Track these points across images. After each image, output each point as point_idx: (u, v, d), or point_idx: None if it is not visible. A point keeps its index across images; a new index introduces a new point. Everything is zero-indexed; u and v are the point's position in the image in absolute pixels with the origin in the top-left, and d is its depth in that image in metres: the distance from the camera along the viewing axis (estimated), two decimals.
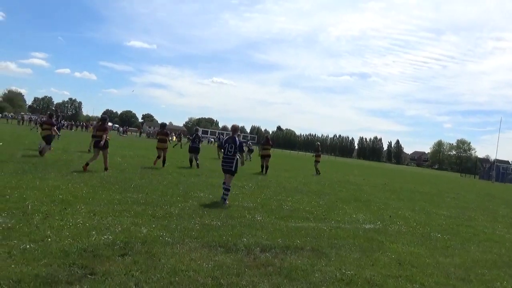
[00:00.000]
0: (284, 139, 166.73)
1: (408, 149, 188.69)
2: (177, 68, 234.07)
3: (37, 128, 30.21)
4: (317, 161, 23.00)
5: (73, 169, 11.52)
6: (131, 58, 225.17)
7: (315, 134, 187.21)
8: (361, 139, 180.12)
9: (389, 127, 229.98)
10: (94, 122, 21.18)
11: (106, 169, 12.12)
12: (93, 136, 16.68)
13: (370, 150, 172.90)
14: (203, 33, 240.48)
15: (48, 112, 18.05)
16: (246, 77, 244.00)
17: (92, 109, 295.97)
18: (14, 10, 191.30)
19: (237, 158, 9.09)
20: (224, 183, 9.00)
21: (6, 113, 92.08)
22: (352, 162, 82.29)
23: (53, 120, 16.64)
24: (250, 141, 49.02)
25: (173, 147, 29.31)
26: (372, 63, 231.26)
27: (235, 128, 9.37)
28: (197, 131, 18.41)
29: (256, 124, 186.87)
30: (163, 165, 15.60)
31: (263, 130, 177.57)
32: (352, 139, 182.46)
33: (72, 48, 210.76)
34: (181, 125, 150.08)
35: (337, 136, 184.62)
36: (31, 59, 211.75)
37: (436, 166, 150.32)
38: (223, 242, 5.47)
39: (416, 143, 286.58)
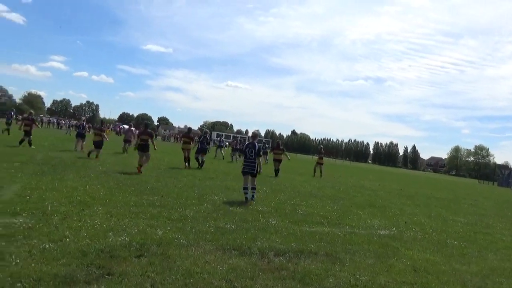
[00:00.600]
0: (299, 143, 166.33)
1: (424, 155, 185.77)
2: (193, 72, 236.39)
3: (71, 133, 31.41)
4: (320, 163, 22.93)
5: (91, 171, 11.72)
6: (147, 61, 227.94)
7: (330, 139, 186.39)
8: (376, 144, 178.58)
9: (405, 132, 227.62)
10: (111, 125, 21.89)
11: (140, 168, 13.09)
12: (130, 141, 18.30)
13: (386, 155, 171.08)
14: (219, 37, 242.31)
15: (101, 120, 20.98)
16: (261, 81, 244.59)
17: (109, 111, 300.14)
18: (34, 15, 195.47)
19: (258, 161, 10.11)
20: (245, 187, 9.96)
21: (25, 114, 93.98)
22: (367, 167, 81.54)
23: (103, 127, 18.75)
24: (266, 144, 49.98)
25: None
26: (388, 67, 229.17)
27: (255, 135, 10.84)
28: (206, 133, 19.50)
29: (271, 128, 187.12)
30: (188, 165, 17.23)
31: (277, 134, 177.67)
32: (367, 143, 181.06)
33: (90, 51, 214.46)
34: (196, 128, 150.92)
35: (352, 140, 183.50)
36: (50, 62, 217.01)
37: (454, 172, 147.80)
38: (237, 245, 5.50)
39: (433, 149, 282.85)
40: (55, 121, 69.56)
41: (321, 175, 22.45)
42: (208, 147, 18.40)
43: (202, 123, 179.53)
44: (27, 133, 18.47)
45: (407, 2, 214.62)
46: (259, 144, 10.47)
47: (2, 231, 4.83)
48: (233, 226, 6.69)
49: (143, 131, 14.73)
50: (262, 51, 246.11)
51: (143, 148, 14.03)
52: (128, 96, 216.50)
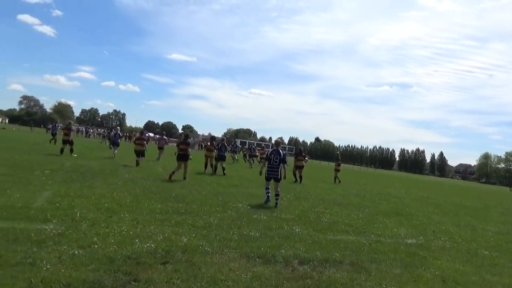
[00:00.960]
0: (323, 151, 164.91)
1: (452, 162, 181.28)
2: (217, 80, 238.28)
3: (105, 142, 32.78)
4: (337, 170, 23.20)
5: (118, 178, 11.96)
6: (172, 70, 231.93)
7: (354, 146, 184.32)
8: (402, 150, 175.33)
9: (432, 139, 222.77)
10: (138, 134, 22.77)
11: (184, 178, 13.82)
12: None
13: (412, 162, 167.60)
14: (242, 46, 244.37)
15: (141, 131, 22.21)
16: (284, 88, 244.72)
17: (135, 120, 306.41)
18: (64, 27, 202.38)
19: (283, 167, 10.68)
20: (268, 191, 10.56)
21: (56, 123, 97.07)
22: (393, 174, 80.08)
23: (144, 135, 20.20)
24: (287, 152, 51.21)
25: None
26: (413, 72, 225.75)
27: (278, 142, 11.58)
28: (223, 140, 20.07)
29: (294, 135, 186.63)
30: (214, 171, 18.33)
31: (301, 141, 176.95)
32: (393, 150, 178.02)
33: (116, 61, 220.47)
34: (220, 135, 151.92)
35: (377, 147, 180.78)
36: (79, 72, 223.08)
37: (483, 180, 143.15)
38: (261, 253, 5.49)
39: (461, 155, 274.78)
40: (84, 129, 71.33)
41: (337, 181, 22.78)
42: (225, 153, 19.09)
43: (226, 131, 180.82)
44: (67, 142, 19.48)
45: (432, 6, 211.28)
46: (283, 151, 10.89)
47: (34, 237, 4.98)
48: (257, 233, 6.68)
49: (182, 141, 15.35)
50: (285, 58, 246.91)
51: (182, 157, 14.48)
52: (154, 104, 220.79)
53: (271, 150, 11.26)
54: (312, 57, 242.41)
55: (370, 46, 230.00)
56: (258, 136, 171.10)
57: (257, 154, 32.48)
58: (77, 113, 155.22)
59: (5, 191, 7.67)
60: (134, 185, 10.83)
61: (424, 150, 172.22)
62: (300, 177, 19.38)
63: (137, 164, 17.51)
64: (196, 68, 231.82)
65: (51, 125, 39.94)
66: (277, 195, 10.37)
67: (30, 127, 68.31)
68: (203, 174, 17.06)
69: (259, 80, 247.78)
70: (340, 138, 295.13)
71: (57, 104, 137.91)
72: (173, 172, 13.61)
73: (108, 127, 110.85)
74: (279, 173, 10.69)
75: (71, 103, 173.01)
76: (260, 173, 11.39)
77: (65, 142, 19.56)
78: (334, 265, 5.38)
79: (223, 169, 18.40)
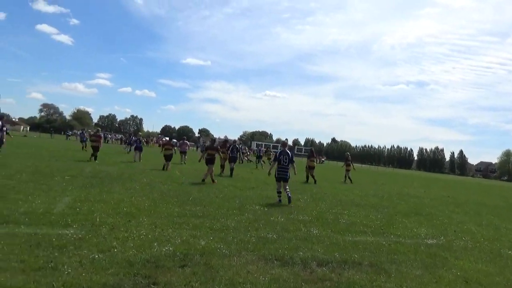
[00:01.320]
0: (339, 151, 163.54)
1: (473, 160, 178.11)
2: (231, 83, 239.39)
3: (129, 149, 33.99)
4: (347, 170, 23.44)
5: (136, 183, 12.10)
6: (187, 75, 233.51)
7: (371, 145, 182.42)
8: (420, 149, 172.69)
9: (451, 137, 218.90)
10: (155, 138, 23.85)
11: (213, 180, 14.54)
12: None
13: (431, 161, 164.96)
14: (256, 48, 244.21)
15: (169, 137, 24.49)
16: (299, 89, 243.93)
17: (152, 125, 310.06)
18: (81, 36, 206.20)
19: (292, 166, 11.19)
20: (279, 192, 11.01)
21: (75, 130, 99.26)
22: (411, 174, 78.95)
23: (173, 142, 22.02)
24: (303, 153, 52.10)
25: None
26: (430, 70, 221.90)
27: (285, 143, 11.95)
28: (235, 142, 20.69)
29: (310, 137, 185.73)
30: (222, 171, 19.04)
31: (317, 142, 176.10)
32: (411, 150, 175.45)
33: (133, 68, 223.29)
34: (236, 138, 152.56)
35: (395, 147, 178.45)
36: (97, 79, 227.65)
37: (505, 178, 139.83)
38: (279, 255, 5.47)
39: (482, 153, 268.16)
40: (102, 135, 72.31)
41: (347, 180, 22.91)
42: (237, 155, 19.89)
43: (242, 133, 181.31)
44: (95, 149, 20.18)
45: (447, 3, 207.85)
46: (292, 152, 11.40)
47: (55, 242, 5.07)
48: (274, 235, 6.66)
49: (210, 145, 15.96)
50: (299, 59, 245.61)
51: (211, 161, 15.11)
52: (170, 109, 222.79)
53: (279, 151, 11.55)
54: (326, 58, 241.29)
55: (385, 45, 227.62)
56: (274, 138, 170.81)
57: (261, 154, 33.50)
58: (95, 119, 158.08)
59: (27, 197, 7.84)
60: (151, 190, 10.94)
61: (443, 149, 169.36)
62: (313, 177, 19.77)
63: (165, 168, 18.61)
64: (210, 72, 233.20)
65: (79, 132, 43.09)
66: (287, 191, 10.91)
67: (50, 134, 69.95)
68: (217, 177, 17.10)
69: (273, 82, 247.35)
70: (357, 138, 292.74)
71: (76, 111, 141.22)
72: (205, 176, 14.59)
73: (127, 132, 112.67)
74: (288, 173, 11.13)
75: (89, 109, 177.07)
76: (269, 174, 11.69)
77: (94, 149, 20.28)
78: (353, 266, 5.33)
79: (232, 170, 18.82)
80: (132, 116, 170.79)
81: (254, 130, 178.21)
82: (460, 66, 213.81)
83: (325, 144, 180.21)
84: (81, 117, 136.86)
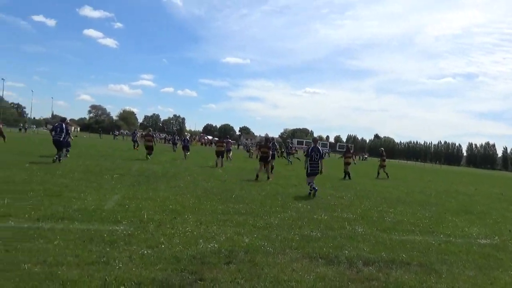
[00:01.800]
0: (383, 147, 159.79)
1: None
2: (271, 81, 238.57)
3: (174, 148, 35.85)
4: (382, 166, 23.48)
5: (180, 181, 12.39)
6: (227, 73, 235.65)
7: (417, 141, 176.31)
8: (470, 145, 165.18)
9: (503, 131, 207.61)
10: (197, 137, 24.78)
11: (268, 178, 15.25)
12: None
13: (482, 157, 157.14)
14: (294, 45, 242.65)
15: (223, 135, 24.78)
16: (339, 85, 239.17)
17: (194, 124, 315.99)
18: (124, 39, 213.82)
19: (321, 163, 11.99)
20: (310, 183, 11.71)
21: (121, 130, 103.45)
22: (460, 170, 75.58)
23: (224, 139, 23.09)
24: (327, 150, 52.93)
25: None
26: (478, 61, 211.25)
27: (316, 139, 12.98)
28: (273, 139, 20.78)
29: (352, 133, 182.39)
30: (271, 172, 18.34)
31: (359, 138, 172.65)
32: (459, 145, 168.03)
33: (174, 68, 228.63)
34: (276, 135, 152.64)
35: (442, 142, 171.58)
36: (141, 80, 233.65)
37: None
38: (323, 253, 5.41)
39: None
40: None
41: (380, 175, 22.89)
42: (275, 152, 19.96)
43: (282, 131, 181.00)
44: (150, 148, 21.62)
45: None
46: (323, 148, 11.93)
47: (106, 237, 5.29)
48: (318, 234, 6.60)
49: (264, 144, 16.48)
50: (339, 54, 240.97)
51: (265, 159, 15.81)
52: (211, 108, 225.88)
53: (311, 147, 12.30)
54: (367, 52, 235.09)
55: (429, 36, 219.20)
56: (315, 135, 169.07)
57: (293, 151, 34.05)
58: (140, 119, 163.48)
59: (80, 195, 8.22)
60: (195, 187, 11.15)
61: (494, 144, 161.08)
62: (348, 173, 19.92)
63: (219, 164, 19.82)
64: (250, 70, 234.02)
65: (131, 133, 47.47)
66: (313, 186, 11.64)
67: (99, 134, 73.15)
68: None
69: (313, 78, 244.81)
70: (400, 134, 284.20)
71: (122, 111, 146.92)
72: (258, 175, 15.04)
73: (170, 132, 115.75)
74: (319, 168, 12.00)
75: (134, 110, 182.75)
76: (305, 168, 12.55)
77: (147, 148, 21.74)
78: (401, 266, 5.17)
79: (272, 167, 18.74)
80: (174, 115, 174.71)
81: (294, 128, 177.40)
82: (511, 56, 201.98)
83: (367, 141, 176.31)
84: (127, 117, 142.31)
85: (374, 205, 10.65)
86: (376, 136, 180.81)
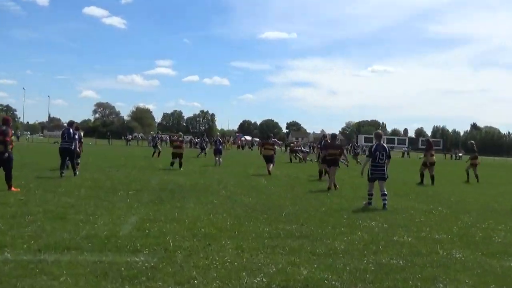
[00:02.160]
0: (483, 141, 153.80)
1: None
2: (326, 59, 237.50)
3: (203, 153, 37.12)
4: (473, 165, 23.15)
5: (213, 196, 12.58)
6: (267, 53, 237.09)
7: None
8: None
9: None
10: (231, 138, 25.68)
11: (335, 186, 15.67)
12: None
13: None
14: (356, 10, 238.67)
15: (272, 135, 26.81)
16: (419, 59, 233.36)
17: (227, 121, 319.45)
18: (134, 16, 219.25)
19: (388, 164, 12.35)
20: (371, 193, 12.07)
21: (135, 133, 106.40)
22: None
23: (271, 140, 24.41)
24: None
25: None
26: None
27: (379, 134, 13.00)
28: (325, 137, 20.84)
29: (440, 123, 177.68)
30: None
31: (450, 130, 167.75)
32: None
33: (199, 50, 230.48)
34: (337, 132, 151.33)
35: None
36: (157, 68, 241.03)
37: None
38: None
39: None
40: (168, 138, 75.96)
41: (470, 178, 22.87)
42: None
43: (344, 125, 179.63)
44: (179, 156, 22.62)
45: None
46: (388, 145, 12.52)
47: (124, 271, 5.45)
48: (400, 261, 6.49)
49: (330, 143, 16.71)
50: (417, 19, 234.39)
51: (333, 163, 15.86)
52: (247, 99, 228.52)
53: (375, 145, 12.45)
54: (456, 13, 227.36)
55: None
56: (389, 128, 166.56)
57: (358, 152, 33.70)
58: (158, 118, 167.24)
59: (88, 217, 8.56)
60: (233, 204, 11.29)
61: None
62: (432, 177, 19.72)
63: (270, 172, 20.91)
64: (297, 46, 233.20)
65: (150, 138, 51.86)
66: (384, 195, 11.81)
67: (108, 140, 75.61)
68: (312, 183, 17.10)
69: (382, 53, 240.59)
70: (508, 123, 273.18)
71: (134, 109, 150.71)
72: (330, 183, 15.54)
73: (197, 133, 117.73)
74: (386, 171, 12.23)
75: (150, 106, 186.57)
76: (362, 174, 12.82)
77: (176, 156, 22.75)
78: None
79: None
80: (201, 111, 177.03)
81: (360, 120, 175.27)
82: None
83: (461, 133, 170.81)
84: (141, 116, 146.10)
85: (476, 221, 10.36)
86: (474, 126, 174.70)
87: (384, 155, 12.11)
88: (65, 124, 19.19)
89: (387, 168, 12.28)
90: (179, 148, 23.02)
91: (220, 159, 26.54)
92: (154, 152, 33.87)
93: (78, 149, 17.33)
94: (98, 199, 10.88)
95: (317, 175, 20.13)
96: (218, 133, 30.82)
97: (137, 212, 9.51)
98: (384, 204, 11.58)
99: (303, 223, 9.11)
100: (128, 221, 8.47)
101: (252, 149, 76.26)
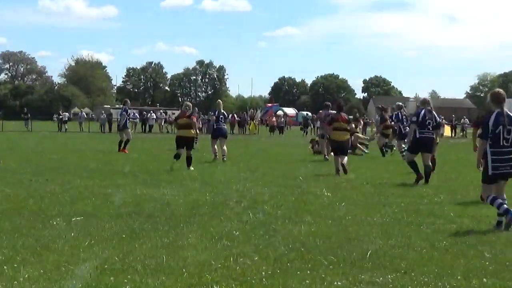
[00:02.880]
0: None
1: None
2: None
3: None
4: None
5: (231, 222, 12.15)
6: None
7: None
8: None
9: None
10: (258, 112, 25.95)
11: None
12: None
13: None
14: None
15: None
16: None
17: (247, 81, 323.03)
18: None
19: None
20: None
21: (76, 108, 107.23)
22: None
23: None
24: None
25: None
26: None
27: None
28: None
29: None
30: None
31: None
32: None
33: None
34: (462, 96, 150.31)
35: None
36: None
37: None
38: None
39: None
40: (137, 115, 76.34)
41: None
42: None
43: (477, 80, 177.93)
44: (189, 143, 22.57)
45: None
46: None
47: None
48: None
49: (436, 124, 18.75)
50: None
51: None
52: (288, 35, 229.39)
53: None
54: None
55: None
56: None
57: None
58: (117, 77, 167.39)
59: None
60: (270, 237, 10.92)
61: None
62: None
63: (346, 170, 22.08)
64: None
65: (105, 114, 60.12)
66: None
67: (25, 121, 76.12)
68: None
69: None
70: None
71: (72, 63, 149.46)
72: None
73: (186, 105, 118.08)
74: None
75: (101, 56, 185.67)
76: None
77: (183, 143, 22.18)
78: None
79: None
80: (199, 63, 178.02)
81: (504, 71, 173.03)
82: None
83: None
84: (85, 76, 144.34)
85: None
86: None
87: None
88: None
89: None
90: (188, 129, 22.37)
91: (225, 148, 26.45)
92: (122, 141, 33.03)
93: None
94: (18, 233, 10.51)
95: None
96: (220, 101, 29.54)
97: (90, 256, 9.02)
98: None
99: (406, 270, 8.64)
100: (74, 275, 7.97)
101: (305, 132, 76.61)
